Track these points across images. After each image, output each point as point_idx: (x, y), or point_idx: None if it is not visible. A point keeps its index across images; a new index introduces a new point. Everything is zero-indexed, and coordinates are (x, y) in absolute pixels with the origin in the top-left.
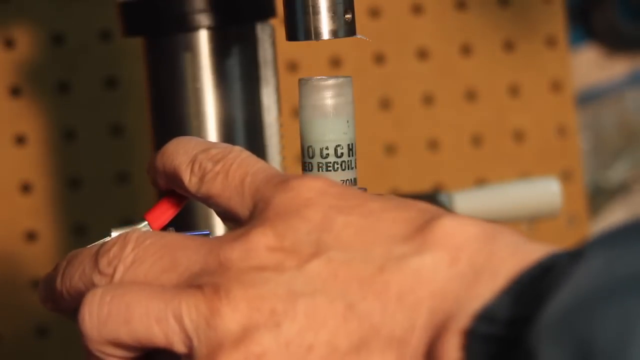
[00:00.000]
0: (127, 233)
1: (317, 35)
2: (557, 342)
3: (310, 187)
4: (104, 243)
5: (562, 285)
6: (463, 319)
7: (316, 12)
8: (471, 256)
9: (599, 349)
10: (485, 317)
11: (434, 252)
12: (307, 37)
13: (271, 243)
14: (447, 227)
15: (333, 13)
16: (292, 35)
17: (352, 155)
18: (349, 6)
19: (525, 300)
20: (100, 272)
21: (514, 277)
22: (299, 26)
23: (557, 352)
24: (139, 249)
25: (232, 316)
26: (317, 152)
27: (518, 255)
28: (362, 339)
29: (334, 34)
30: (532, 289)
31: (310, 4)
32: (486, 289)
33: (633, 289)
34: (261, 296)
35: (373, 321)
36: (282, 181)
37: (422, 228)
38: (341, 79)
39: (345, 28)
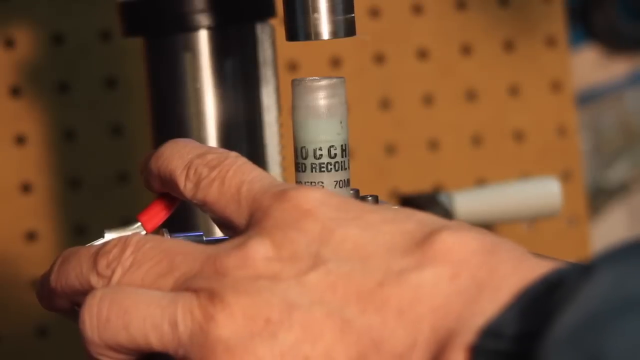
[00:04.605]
0: (127, 236)
1: (317, 35)
2: (567, 358)
3: (308, 198)
4: (104, 244)
5: (571, 301)
6: (467, 335)
7: (316, 12)
8: (472, 271)
9: None
10: (491, 332)
11: (434, 267)
12: (307, 37)
13: (269, 253)
14: (447, 241)
15: (333, 13)
16: (292, 35)
17: (346, 156)
18: (349, 6)
19: (532, 315)
20: (98, 274)
21: (519, 293)
22: (299, 26)
23: None
24: (138, 252)
25: (226, 323)
26: (311, 152)
27: (521, 271)
28: (360, 354)
29: (334, 34)
30: (539, 304)
31: (310, 4)
32: (489, 305)
33: None
34: (256, 304)
35: (372, 336)
36: (279, 191)
37: (422, 242)
38: (334, 80)
39: (345, 28)
